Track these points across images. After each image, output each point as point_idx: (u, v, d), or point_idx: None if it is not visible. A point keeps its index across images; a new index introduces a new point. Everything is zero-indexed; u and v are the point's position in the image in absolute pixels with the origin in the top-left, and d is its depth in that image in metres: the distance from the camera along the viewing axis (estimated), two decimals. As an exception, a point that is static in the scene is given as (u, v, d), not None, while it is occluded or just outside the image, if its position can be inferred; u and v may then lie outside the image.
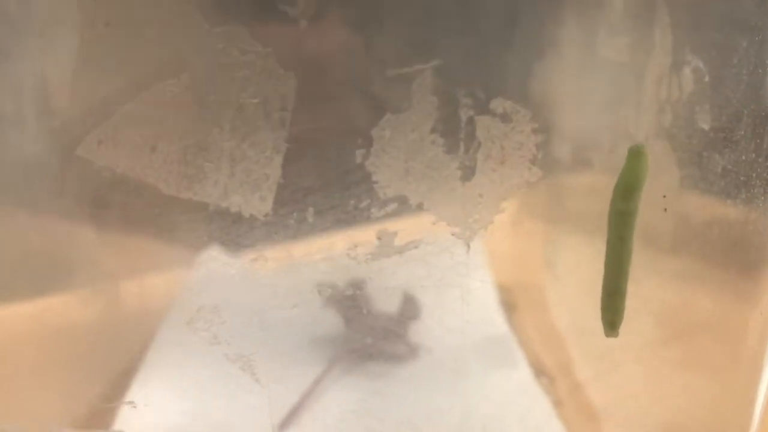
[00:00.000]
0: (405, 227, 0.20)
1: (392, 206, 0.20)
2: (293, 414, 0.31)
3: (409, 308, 0.35)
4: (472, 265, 0.30)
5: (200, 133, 0.19)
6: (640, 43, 0.29)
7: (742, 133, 0.24)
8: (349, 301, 0.29)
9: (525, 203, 0.36)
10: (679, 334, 0.32)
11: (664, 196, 0.21)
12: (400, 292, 0.34)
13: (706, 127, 0.26)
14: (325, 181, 0.20)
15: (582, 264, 0.35)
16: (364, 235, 0.20)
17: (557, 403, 0.35)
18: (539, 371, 0.37)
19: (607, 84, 0.31)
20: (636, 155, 0.18)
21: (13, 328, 0.26)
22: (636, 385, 0.33)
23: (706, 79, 0.26)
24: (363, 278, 0.23)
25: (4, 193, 0.23)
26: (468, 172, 0.19)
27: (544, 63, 0.24)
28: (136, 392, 0.26)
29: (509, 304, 0.43)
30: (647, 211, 0.31)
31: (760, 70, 0.23)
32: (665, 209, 0.21)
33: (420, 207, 0.20)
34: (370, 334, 0.33)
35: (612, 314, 0.20)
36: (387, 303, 0.33)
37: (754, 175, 0.23)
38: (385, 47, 0.19)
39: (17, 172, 0.23)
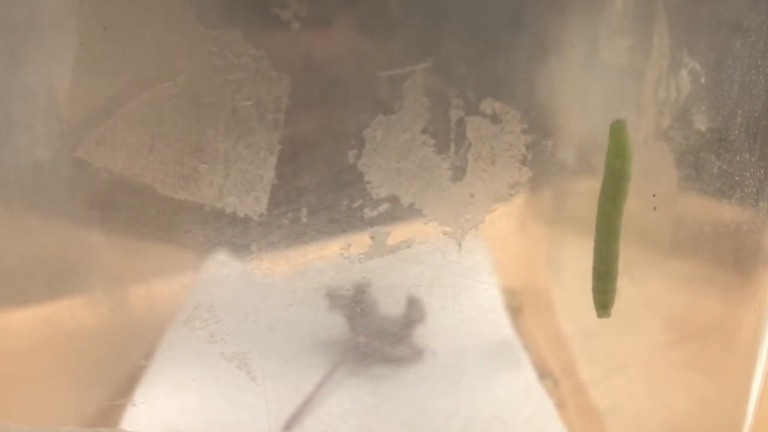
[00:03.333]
0: (398, 227, 0.20)
1: (384, 206, 0.20)
2: (296, 416, 0.31)
3: (414, 311, 0.35)
4: (476, 268, 0.30)
5: (196, 135, 0.19)
6: (639, 45, 0.29)
7: (737, 133, 0.24)
8: (353, 303, 0.29)
9: (531, 207, 0.37)
10: (684, 336, 0.32)
11: (654, 195, 0.21)
12: (405, 294, 0.34)
13: (702, 128, 0.26)
14: (319, 181, 0.20)
15: (587, 267, 0.35)
16: (358, 235, 0.21)
17: (560, 405, 0.35)
18: (544, 373, 0.37)
19: (606, 86, 0.32)
20: (617, 130, 0.18)
21: (23, 332, 0.27)
22: (640, 387, 0.33)
23: (703, 80, 0.26)
24: (360, 278, 0.23)
25: (13, 198, 0.24)
26: (459, 173, 0.20)
27: (543, 66, 0.24)
28: (143, 392, 0.26)
29: (515, 307, 0.43)
30: (646, 213, 0.31)
31: (753, 71, 0.23)
32: (655, 208, 0.21)
33: (412, 207, 0.20)
34: (374, 337, 0.34)
35: (604, 296, 0.21)
36: (391, 305, 0.33)
37: (747, 174, 0.23)
38: (377, 49, 0.19)
39: (25, 176, 0.23)
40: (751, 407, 0.25)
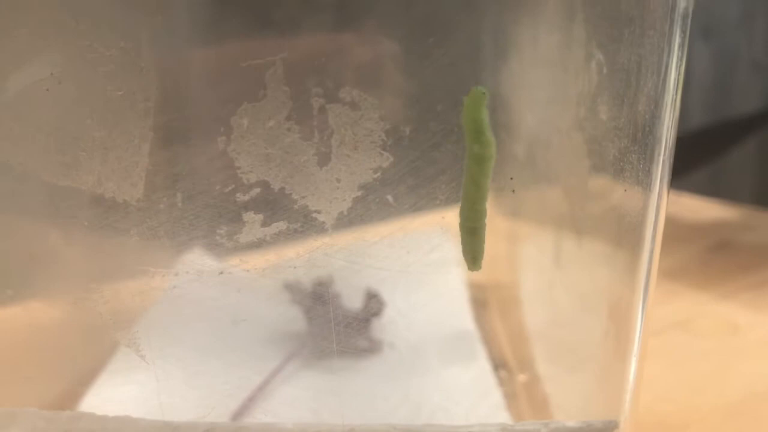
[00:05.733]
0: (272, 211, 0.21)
1: (256, 191, 0.21)
2: (245, 405, 0.32)
3: (374, 304, 0.36)
4: (442, 262, 0.31)
5: (73, 124, 0.20)
6: (564, 39, 0.29)
7: (623, 120, 0.24)
8: (313, 296, 0.30)
9: (497, 202, 0.37)
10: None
11: (511, 179, 0.22)
12: (365, 287, 0.35)
13: (604, 117, 0.27)
14: (192, 167, 0.21)
15: (552, 263, 0.36)
16: (235, 219, 0.21)
17: (511, 396, 0.36)
18: (499, 364, 0.38)
19: (539, 81, 0.32)
20: (473, 96, 0.19)
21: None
22: (593, 383, 0.33)
23: (604, 71, 0.27)
24: (320, 272, 0.24)
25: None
26: (324, 158, 0.21)
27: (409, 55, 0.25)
28: (102, 384, 0.27)
29: (480, 301, 0.43)
30: (563, 203, 0.32)
31: (635, 58, 0.24)
32: (513, 191, 0.22)
33: (282, 191, 0.21)
34: (333, 330, 0.34)
35: (473, 250, 0.21)
36: (352, 299, 0.34)
37: (626, 159, 0.24)
38: (238, 40, 0.20)
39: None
40: (629, 392, 0.25)
